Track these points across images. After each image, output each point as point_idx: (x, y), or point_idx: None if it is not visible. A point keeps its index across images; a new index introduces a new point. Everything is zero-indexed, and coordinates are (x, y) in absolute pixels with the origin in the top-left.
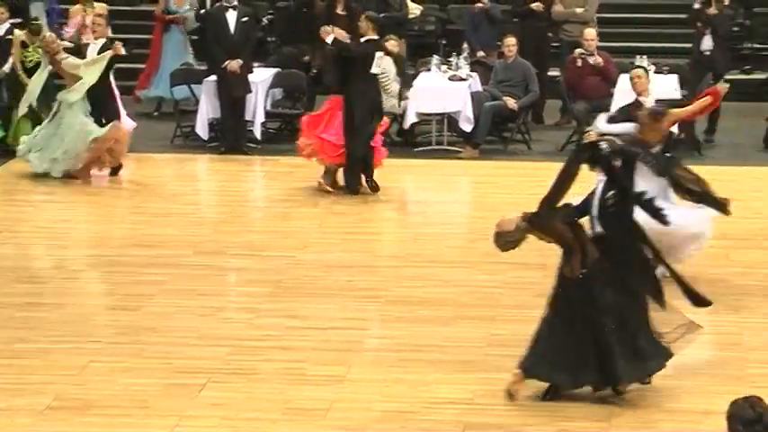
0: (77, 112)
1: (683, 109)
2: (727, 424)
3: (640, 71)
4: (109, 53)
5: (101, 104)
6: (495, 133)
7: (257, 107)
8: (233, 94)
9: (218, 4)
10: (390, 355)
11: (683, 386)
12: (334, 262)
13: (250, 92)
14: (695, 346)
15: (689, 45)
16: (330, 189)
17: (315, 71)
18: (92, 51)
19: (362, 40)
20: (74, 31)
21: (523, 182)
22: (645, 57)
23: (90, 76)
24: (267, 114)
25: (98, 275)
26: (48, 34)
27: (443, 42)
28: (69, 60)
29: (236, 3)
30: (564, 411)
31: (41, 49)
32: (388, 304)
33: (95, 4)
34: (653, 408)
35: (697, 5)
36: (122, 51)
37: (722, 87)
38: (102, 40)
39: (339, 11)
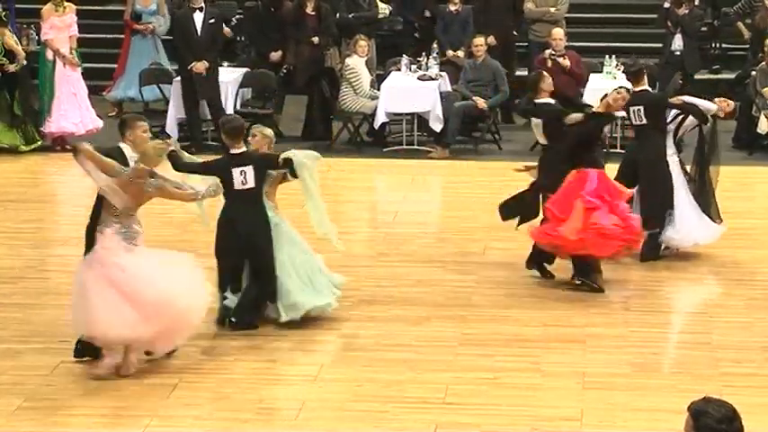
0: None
1: None
2: (693, 422)
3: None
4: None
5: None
6: (465, 133)
7: (227, 107)
8: (198, 97)
9: (184, 7)
10: (362, 355)
11: (654, 385)
12: None
13: (217, 95)
14: (666, 346)
15: (659, 45)
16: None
17: (284, 71)
18: None
19: None
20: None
21: (494, 182)
22: (614, 56)
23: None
24: (237, 114)
25: (68, 275)
26: None
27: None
28: None
29: (202, 4)
30: (536, 411)
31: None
32: (361, 304)
33: None
34: (625, 407)
35: (667, 5)
36: (173, 146)
37: None
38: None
39: (309, 11)
